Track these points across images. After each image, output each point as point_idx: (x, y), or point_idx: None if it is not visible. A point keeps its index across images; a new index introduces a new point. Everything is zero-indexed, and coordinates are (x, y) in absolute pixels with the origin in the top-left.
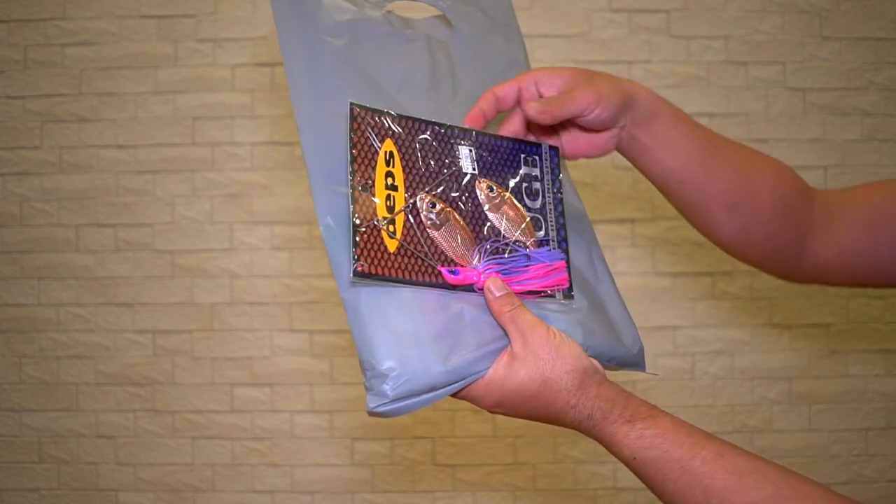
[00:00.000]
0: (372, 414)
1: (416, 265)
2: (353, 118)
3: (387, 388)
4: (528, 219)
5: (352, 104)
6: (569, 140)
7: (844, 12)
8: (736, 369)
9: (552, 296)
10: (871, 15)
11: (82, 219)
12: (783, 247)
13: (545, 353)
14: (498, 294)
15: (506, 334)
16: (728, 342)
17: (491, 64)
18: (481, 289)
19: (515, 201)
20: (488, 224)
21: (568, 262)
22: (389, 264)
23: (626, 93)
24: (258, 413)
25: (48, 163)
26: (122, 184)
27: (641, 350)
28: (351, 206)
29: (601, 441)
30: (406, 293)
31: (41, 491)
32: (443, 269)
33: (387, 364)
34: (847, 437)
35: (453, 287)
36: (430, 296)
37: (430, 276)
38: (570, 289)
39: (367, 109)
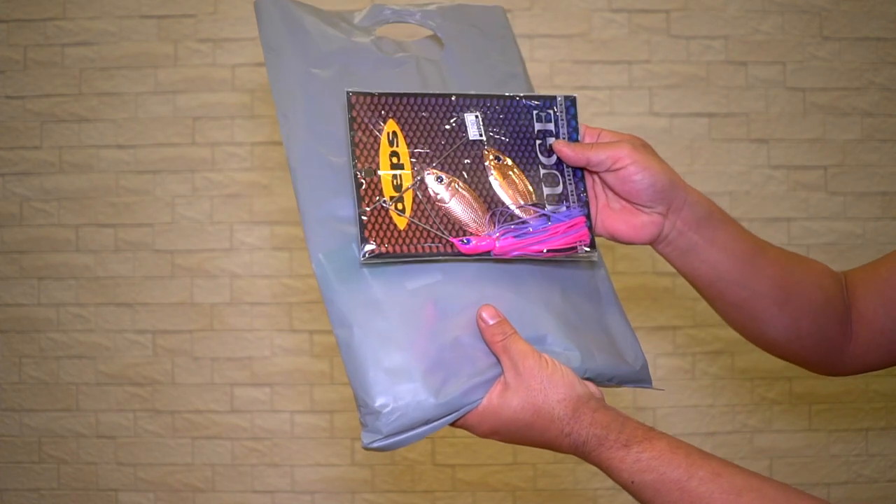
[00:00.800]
0: (368, 449)
1: (427, 238)
2: (350, 106)
3: (380, 424)
4: (532, 191)
5: (348, 92)
6: (607, 210)
7: (844, 12)
8: (736, 369)
9: (574, 249)
10: (871, 15)
11: (82, 219)
12: (829, 339)
13: (536, 383)
14: (491, 322)
15: (499, 362)
16: (728, 342)
17: (487, 78)
18: (498, 255)
19: (519, 171)
20: (493, 193)
21: (588, 216)
22: (400, 241)
23: (678, 185)
24: (258, 413)
25: (48, 163)
26: (122, 184)
27: (645, 366)
28: (356, 192)
29: (599, 466)
30: (397, 330)
31: (41, 491)
32: (454, 240)
33: (379, 401)
34: (847, 437)
35: (467, 256)
36: (421, 327)
37: (442, 246)
38: (593, 243)
39: (366, 94)
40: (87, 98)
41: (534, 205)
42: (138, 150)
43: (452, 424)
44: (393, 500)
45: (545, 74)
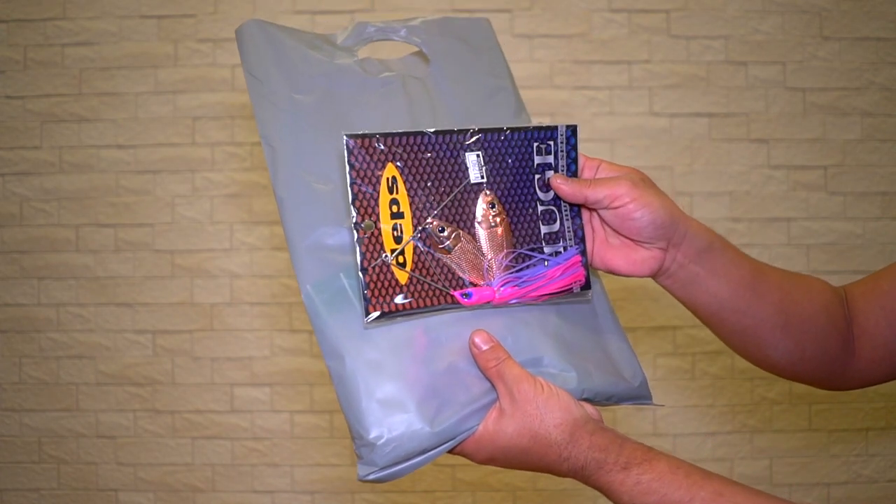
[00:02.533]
0: (364, 482)
1: (429, 292)
2: (348, 152)
3: (376, 456)
4: (513, 249)
5: (346, 136)
6: (605, 245)
7: (844, 12)
8: (736, 369)
9: (570, 290)
10: (871, 15)
11: (82, 219)
12: (832, 358)
13: (532, 408)
14: (484, 347)
15: (494, 388)
16: None
17: (474, 93)
18: (498, 305)
19: (505, 220)
20: (482, 238)
21: (584, 252)
22: (403, 297)
23: (678, 219)
24: (258, 413)
25: (48, 163)
26: (122, 184)
27: (644, 382)
28: (357, 248)
29: (599, 490)
30: (389, 360)
31: (41, 491)
32: (456, 294)
33: (374, 433)
34: (847, 437)
35: (469, 308)
36: (413, 355)
37: (444, 299)
38: (588, 283)
39: (364, 137)
40: (87, 98)
41: (530, 249)
42: (138, 150)
43: (450, 452)
44: (393, 500)
45: (545, 74)
